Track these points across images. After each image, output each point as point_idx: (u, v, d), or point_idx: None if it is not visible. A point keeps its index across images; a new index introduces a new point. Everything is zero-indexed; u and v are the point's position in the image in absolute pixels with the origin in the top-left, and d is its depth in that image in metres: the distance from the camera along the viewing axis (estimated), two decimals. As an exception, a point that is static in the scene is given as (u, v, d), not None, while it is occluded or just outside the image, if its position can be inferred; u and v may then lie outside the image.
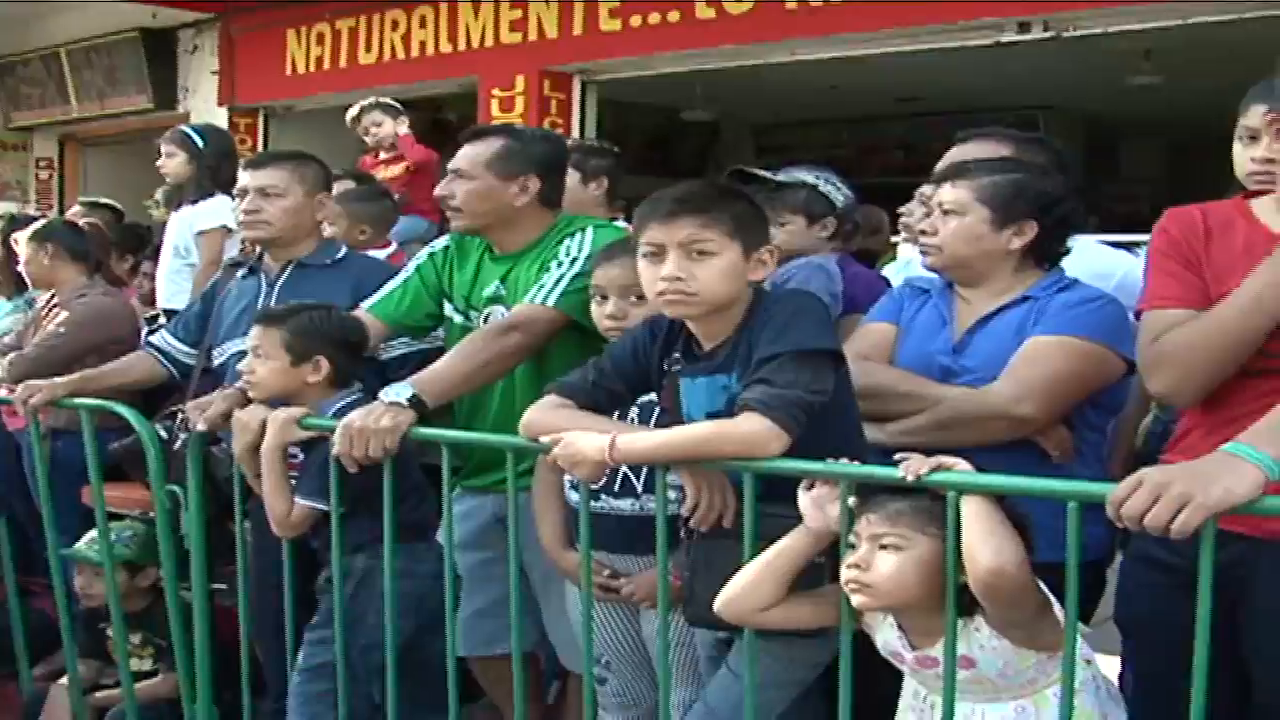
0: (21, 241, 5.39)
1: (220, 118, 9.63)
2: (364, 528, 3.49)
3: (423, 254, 4.03)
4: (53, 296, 5.36)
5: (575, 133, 7.90)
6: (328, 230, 4.64)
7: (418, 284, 3.92)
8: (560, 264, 3.61)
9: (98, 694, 4.72)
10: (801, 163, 4.20)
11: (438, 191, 3.86)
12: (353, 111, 6.86)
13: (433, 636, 3.61)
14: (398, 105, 6.84)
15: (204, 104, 10.05)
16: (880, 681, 2.73)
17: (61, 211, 9.80)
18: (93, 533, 4.42)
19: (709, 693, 2.99)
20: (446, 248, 3.96)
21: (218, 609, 4.11)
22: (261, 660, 4.16)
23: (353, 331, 3.74)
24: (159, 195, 8.06)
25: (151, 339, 4.69)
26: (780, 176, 4.03)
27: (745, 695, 2.73)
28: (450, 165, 3.84)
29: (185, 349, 4.44)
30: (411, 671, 3.59)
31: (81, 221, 5.97)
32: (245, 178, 4.27)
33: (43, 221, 5.59)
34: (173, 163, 6.01)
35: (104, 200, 7.61)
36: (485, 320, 3.76)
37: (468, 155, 3.78)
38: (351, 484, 3.42)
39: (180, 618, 4.09)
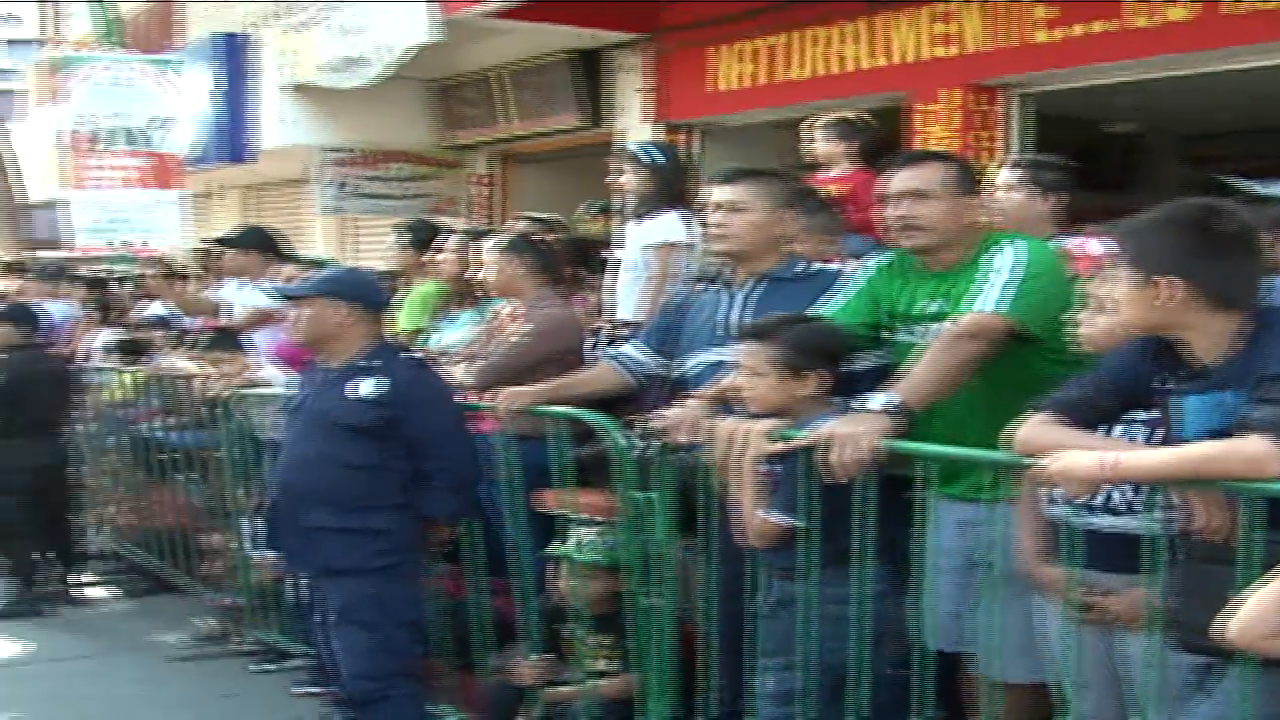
0: (486, 252, 5.96)
1: (647, 135, 10.19)
2: (830, 546, 3.78)
3: (868, 267, 4.31)
4: (514, 306, 5.89)
5: (1006, 148, 8.00)
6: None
7: (867, 296, 4.21)
8: (997, 272, 3.84)
9: (551, 690, 5.15)
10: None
11: (898, 212, 4.08)
12: (805, 124, 7.15)
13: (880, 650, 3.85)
14: (854, 121, 7.05)
15: (631, 122, 10.65)
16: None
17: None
18: (574, 534, 4.87)
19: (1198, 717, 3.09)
20: (891, 263, 4.23)
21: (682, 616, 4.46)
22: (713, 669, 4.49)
23: (841, 344, 4.03)
24: (586, 209, 8.68)
25: (614, 349, 5.15)
26: (1261, 189, 4.09)
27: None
28: (905, 187, 4.08)
29: (652, 360, 4.84)
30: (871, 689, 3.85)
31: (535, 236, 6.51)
32: (712, 193, 4.65)
33: (510, 235, 6.14)
34: (627, 179, 6.48)
35: (544, 215, 8.20)
36: (929, 335, 3.98)
37: (926, 177, 4.06)
38: (823, 501, 3.69)
39: (644, 622, 4.47)
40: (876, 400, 3.60)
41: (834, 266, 4.94)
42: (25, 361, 8.34)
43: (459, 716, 5.59)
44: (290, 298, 5.17)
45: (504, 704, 5.31)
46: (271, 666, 6.91)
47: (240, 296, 8.27)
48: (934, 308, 4.03)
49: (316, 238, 14.00)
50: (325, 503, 4.89)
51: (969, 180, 4.08)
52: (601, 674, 5.00)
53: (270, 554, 5.90)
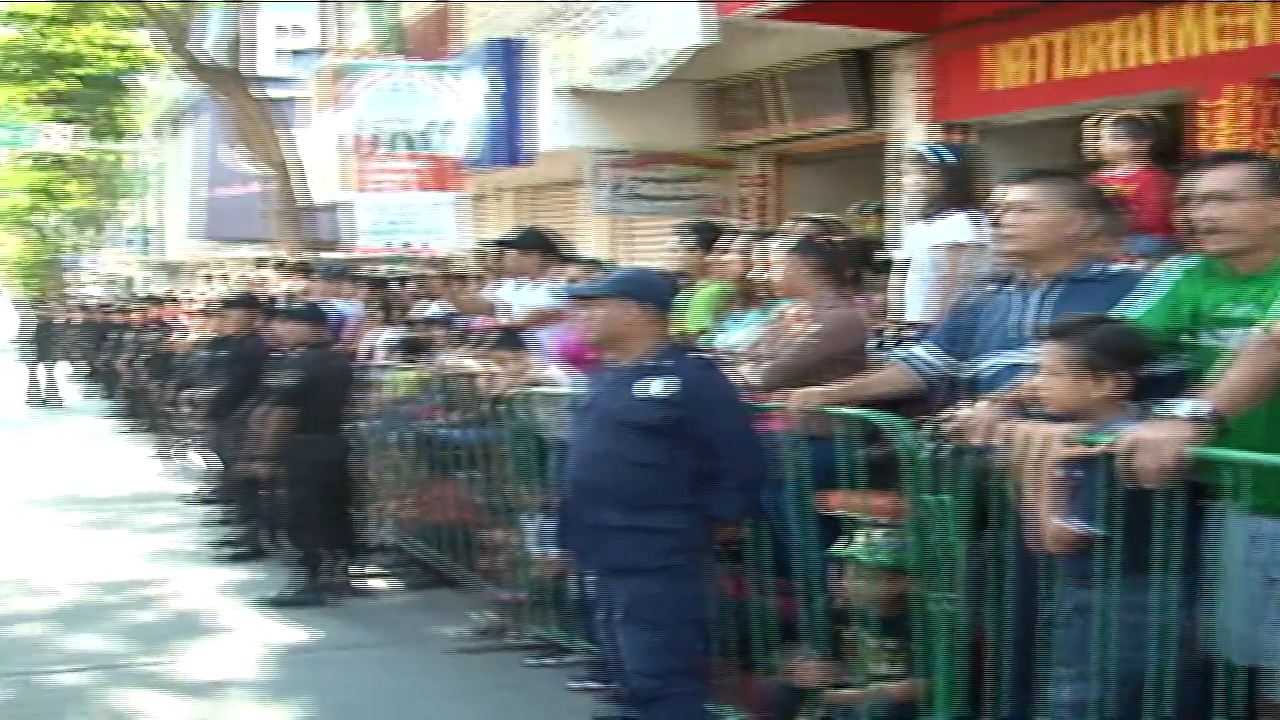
0: (773, 252, 6.01)
1: (921, 135, 10.11)
2: (1129, 554, 3.71)
3: (1171, 269, 4.21)
4: (799, 306, 5.93)
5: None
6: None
7: (1171, 300, 4.11)
8: None
9: (833, 692, 5.17)
10: None
11: (1203, 214, 3.97)
12: (1089, 122, 7.03)
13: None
14: (1143, 120, 6.91)
15: (906, 122, 10.57)
16: None
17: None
18: (861, 535, 4.89)
19: None
20: (1195, 265, 4.12)
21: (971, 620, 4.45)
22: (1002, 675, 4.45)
23: (1143, 347, 3.96)
24: (858, 210, 8.65)
25: (903, 350, 5.15)
26: None
27: None
28: (1209, 189, 3.97)
29: (942, 361, 4.84)
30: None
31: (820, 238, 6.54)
32: (1003, 193, 4.62)
33: (797, 235, 6.18)
34: (914, 178, 6.46)
35: (823, 216, 8.21)
36: (1234, 340, 3.87)
37: (1231, 178, 3.94)
38: (1124, 509, 3.64)
39: (930, 626, 4.47)
40: (1184, 407, 3.53)
41: (1136, 267, 4.85)
42: (317, 359, 8.74)
43: (739, 716, 5.66)
44: (582, 298, 5.31)
45: (785, 705, 5.36)
46: (550, 661, 7.06)
47: (518, 297, 8.50)
48: (1240, 311, 3.92)
49: (589, 239, 14.27)
50: (613, 501, 5.00)
51: (1276, 180, 3.96)
52: (884, 677, 4.99)
53: (554, 551, 6.05)
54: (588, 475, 5.10)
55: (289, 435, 8.55)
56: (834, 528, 5.15)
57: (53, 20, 35.62)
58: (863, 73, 10.90)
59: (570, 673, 6.81)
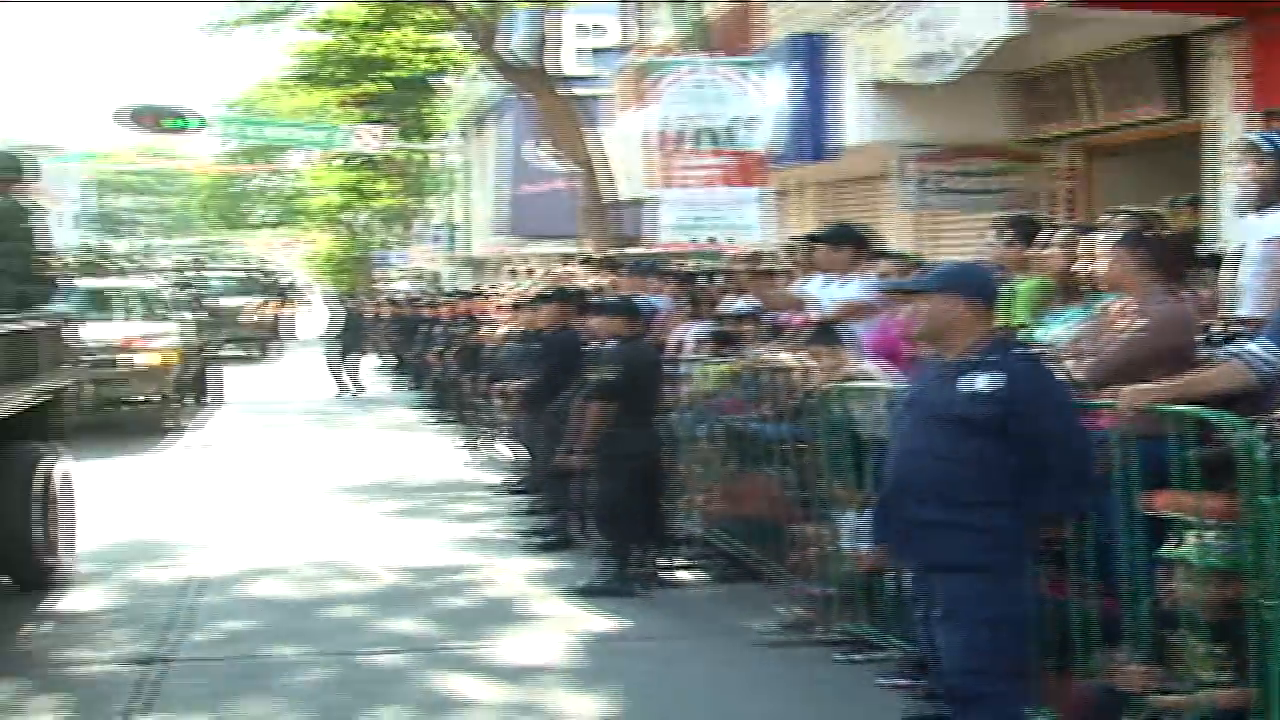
0: (1098, 246, 5.91)
1: (1239, 124, 9.77)
2: None
3: None
4: (1124, 301, 5.82)
5: None
6: None
7: None
8: None
9: (1158, 697, 5.06)
10: None
11: None
12: None
13: None
14: None
15: (1223, 111, 10.23)
16: None
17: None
18: (1192, 536, 4.80)
19: None
20: None
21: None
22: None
23: None
24: (1172, 202, 8.40)
25: (1235, 347, 5.02)
26: None
27: None
28: None
29: (1279, 358, 4.70)
30: None
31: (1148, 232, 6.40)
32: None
33: (1123, 229, 6.07)
34: (1245, 169, 6.26)
35: (1142, 209, 8.01)
36: None
37: None
38: None
39: (1265, 632, 4.34)
40: None
41: None
42: (634, 353, 8.92)
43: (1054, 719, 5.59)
44: (907, 292, 5.32)
45: (1105, 709, 5.27)
46: (858, 657, 7.07)
47: (827, 292, 8.54)
48: None
49: (892, 234, 14.22)
50: (936, 497, 4.99)
51: None
52: (1211, 684, 4.87)
53: (869, 547, 6.08)
54: (908, 470, 5.11)
55: (606, 428, 8.77)
56: (1159, 528, 5.06)
57: (365, 25, 37.13)
58: (1177, 60, 10.60)
59: (879, 669, 6.82)
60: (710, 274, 11.63)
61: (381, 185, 51.28)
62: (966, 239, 13.08)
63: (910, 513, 5.09)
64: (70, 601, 8.62)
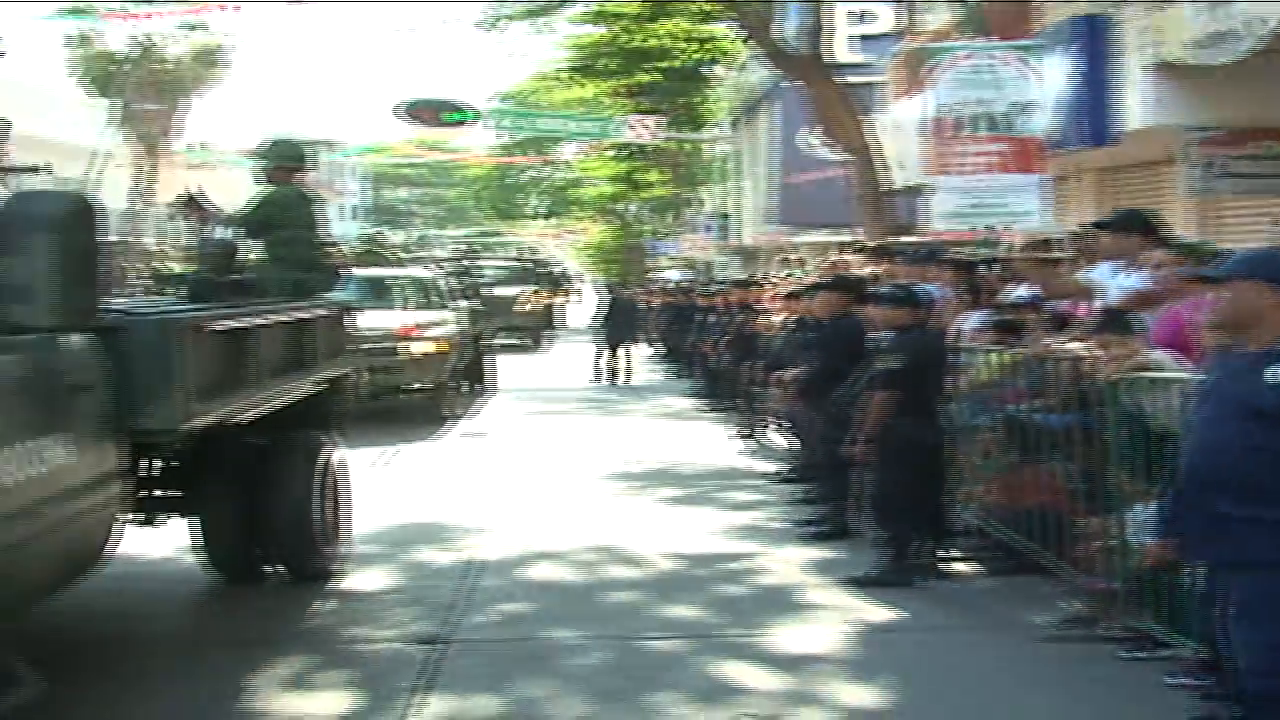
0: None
1: None
2: None
3: None
4: None
5: None
6: None
7: None
8: None
9: None
10: None
11: None
12: None
13: None
14: None
15: None
16: None
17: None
18: None
19: None
20: None
21: None
22: None
23: None
24: None
25: None
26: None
27: None
28: None
29: None
30: None
31: None
32: None
33: None
34: None
35: None
36: None
37: None
38: None
39: None
40: None
41: None
42: (919, 342, 8.86)
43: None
44: (1210, 280, 5.16)
45: None
46: (1142, 655, 6.90)
47: (1115, 280, 8.33)
48: None
49: (1175, 221, 13.78)
50: (1232, 490, 4.81)
51: None
52: None
53: (1158, 541, 5.91)
54: (1206, 463, 4.95)
55: (888, 417, 8.72)
56: None
57: (637, 17, 37.58)
58: None
59: (1164, 668, 6.64)
60: (990, 262, 11.43)
61: (652, 175, 51.85)
62: (1250, 226, 12.63)
63: (1205, 506, 4.93)
64: (354, 581, 8.93)
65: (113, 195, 45.45)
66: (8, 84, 39.90)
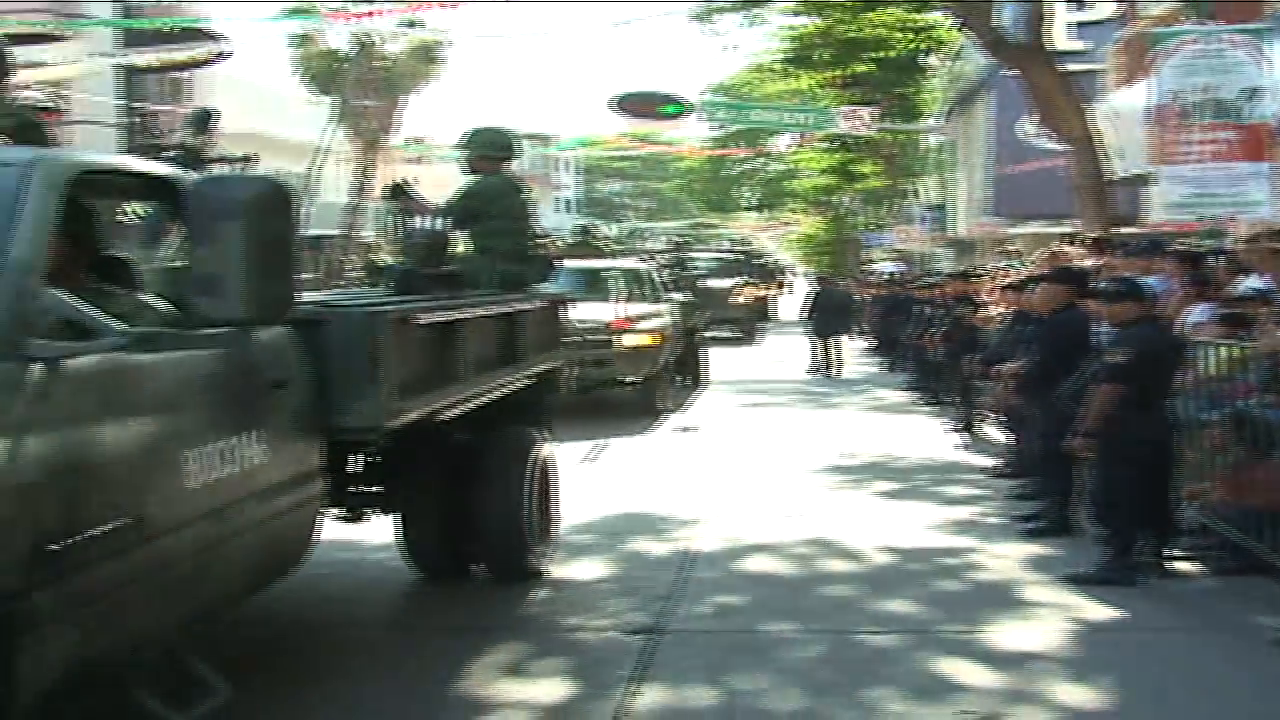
0: None
1: None
2: None
3: None
4: None
5: None
6: None
7: None
8: None
9: None
10: None
11: None
12: None
13: None
14: None
15: None
16: None
17: None
18: None
19: None
20: None
21: None
22: None
23: None
24: None
25: None
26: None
27: None
28: None
29: None
30: None
31: None
32: None
33: None
34: None
35: None
36: None
37: None
38: None
39: None
40: None
41: None
42: (1148, 335, 8.66)
43: None
44: None
45: None
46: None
47: None
48: None
49: None
50: None
51: None
52: None
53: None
54: None
55: (1115, 412, 8.54)
56: None
57: (851, 7, 37.30)
58: None
59: None
60: (1219, 253, 11.10)
61: (866, 167, 51.47)
62: None
63: None
64: (567, 570, 9.02)
65: (334, 190, 47.01)
66: (239, 85, 41.43)
